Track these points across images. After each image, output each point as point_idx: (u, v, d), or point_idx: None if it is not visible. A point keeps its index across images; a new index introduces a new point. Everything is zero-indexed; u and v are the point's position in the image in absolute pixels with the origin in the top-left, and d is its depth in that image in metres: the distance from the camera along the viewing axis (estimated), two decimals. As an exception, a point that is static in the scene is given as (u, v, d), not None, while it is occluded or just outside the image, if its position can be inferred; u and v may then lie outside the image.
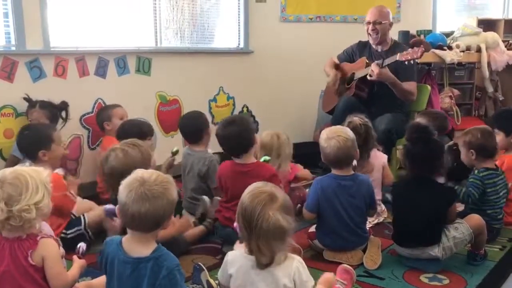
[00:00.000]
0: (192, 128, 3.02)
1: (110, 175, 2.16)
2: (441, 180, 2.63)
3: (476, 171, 2.66)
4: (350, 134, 2.47)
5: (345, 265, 2.21)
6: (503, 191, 2.67)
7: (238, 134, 2.45)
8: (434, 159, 2.33)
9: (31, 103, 3.19)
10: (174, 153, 3.05)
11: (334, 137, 2.40)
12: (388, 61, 3.53)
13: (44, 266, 1.70)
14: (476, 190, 2.60)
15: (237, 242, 1.88)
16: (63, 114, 3.30)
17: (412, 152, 2.36)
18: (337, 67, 3.98)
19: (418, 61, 3.58)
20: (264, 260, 1.58)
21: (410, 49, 3.44)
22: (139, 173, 1.60)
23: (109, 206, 2.34)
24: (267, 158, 2.74)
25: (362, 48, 3.91)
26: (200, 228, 2.68)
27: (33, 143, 2.61)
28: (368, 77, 3.54)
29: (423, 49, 3.42)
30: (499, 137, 2.94)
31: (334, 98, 3.94)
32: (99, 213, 2.57)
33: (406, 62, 3.42)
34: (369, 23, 3.77)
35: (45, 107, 3.17)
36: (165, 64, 4.07)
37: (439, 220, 2.32)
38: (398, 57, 3.46)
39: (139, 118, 3.37)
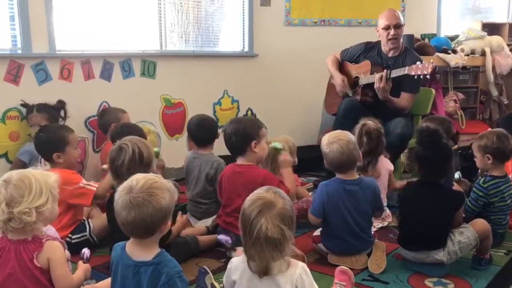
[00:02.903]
0: (204, 132, 3.02)
1: (132, 160, 2.16)
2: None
3: (481, 180, 2.62)
4: (351, 137, 2.46)
5: (342, 266, 2.20)
6: (511, 199, 2.64)
7: (231, 135, 2.50)
8: (444, 162, 2.33)
9: (29, 107, 3.20)
10: (157, 155, 3.04)
11: (335, 141, 2.39)
12: (395, 73, 3.45)
13: (49, 268, 1.71)
14: (475, 204, 2.58)
15: (238, 249, 1.88)
16: (62, 113, 3.30)
17: (423, 156, 2.35)
18: (340, 65, 3.95)
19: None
20: (257, 267, 1.55)
21: (419, 63, 3.34)
22: (130, 179, 1.59)
23: None
24: (278, 145, 2.68)
25: (369, 50, 3.82)
26: (214, 237, 2.64)
27: (48, 145, 2.62)
28: (376, 85, 3.48)
29: (433, 65, 3.33)
30: None
31: (337, 99, 3.92)
32: (104, 220, 2.59)
33: (416, 77, 3.36)
34: (388, 27, 3.61)
35: (43, 110, 3.18)
36: (170, 67, 4.08)
37: (446, 224, 2.31)
38: (407, 70, 3.38)
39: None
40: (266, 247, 1.52)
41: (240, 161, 2.55)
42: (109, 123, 3.38)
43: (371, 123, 2.94)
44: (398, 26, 3.62)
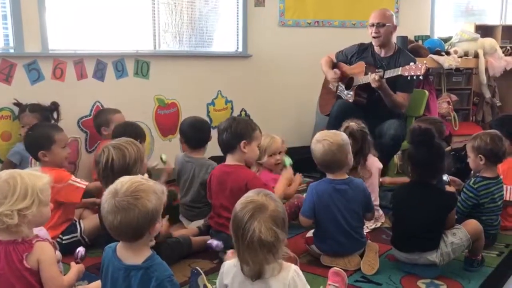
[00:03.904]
0: (197, 134, 3.00)
1: (105, 169, 2.17)
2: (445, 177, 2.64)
3: (472, 181, 2.63)
4: (339, 138, 2.42)
5: (335, 268, 2.20)
6: (501, 200, 2.65)
7: (224, 130, 2.51)
8: (437, 162, 2.33)
9: (21, 107, 3.18)
10: (164, 161, 3.03)
11: (321, 140, 2.41)
12: (389, 73, 3.47)
13: (39, 270, 1.69)
14: (465, 205, 2.59)
15: (228, 252, 1.87)
16: (55, 115, 3.28)
17: (415, 156, 2.35)
18: (334, 66, 3.96)
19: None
20: (250, 271, 1.54)
21: (412, 63, 3.36)
22: (115, 183, 1.58)
23: None
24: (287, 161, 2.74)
25: (362, 51, 3.85)
26: (207, 238, 2.63)
27: (34, 143, 2.63)
28: (373, 85, 3.47)
29: (427, 66, 3.35)
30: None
31: (331, 99, 3.93)
32: (95, 220, 2.58)
33: (409, 77, 3.37)
34: (372, 25, 3.69)
35: (35, 110, 3.16)
36: (164, 67, 4.07)
37: (439, 225, 2.31)
38: (400, 71, 3.40)
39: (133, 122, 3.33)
40: (260, 250, 1.51)
41: (229, 160, 2.56)
42: (103, 124, 3.36)
43: (353, 124, 2.93)
44: (380, 25, 3.65)
